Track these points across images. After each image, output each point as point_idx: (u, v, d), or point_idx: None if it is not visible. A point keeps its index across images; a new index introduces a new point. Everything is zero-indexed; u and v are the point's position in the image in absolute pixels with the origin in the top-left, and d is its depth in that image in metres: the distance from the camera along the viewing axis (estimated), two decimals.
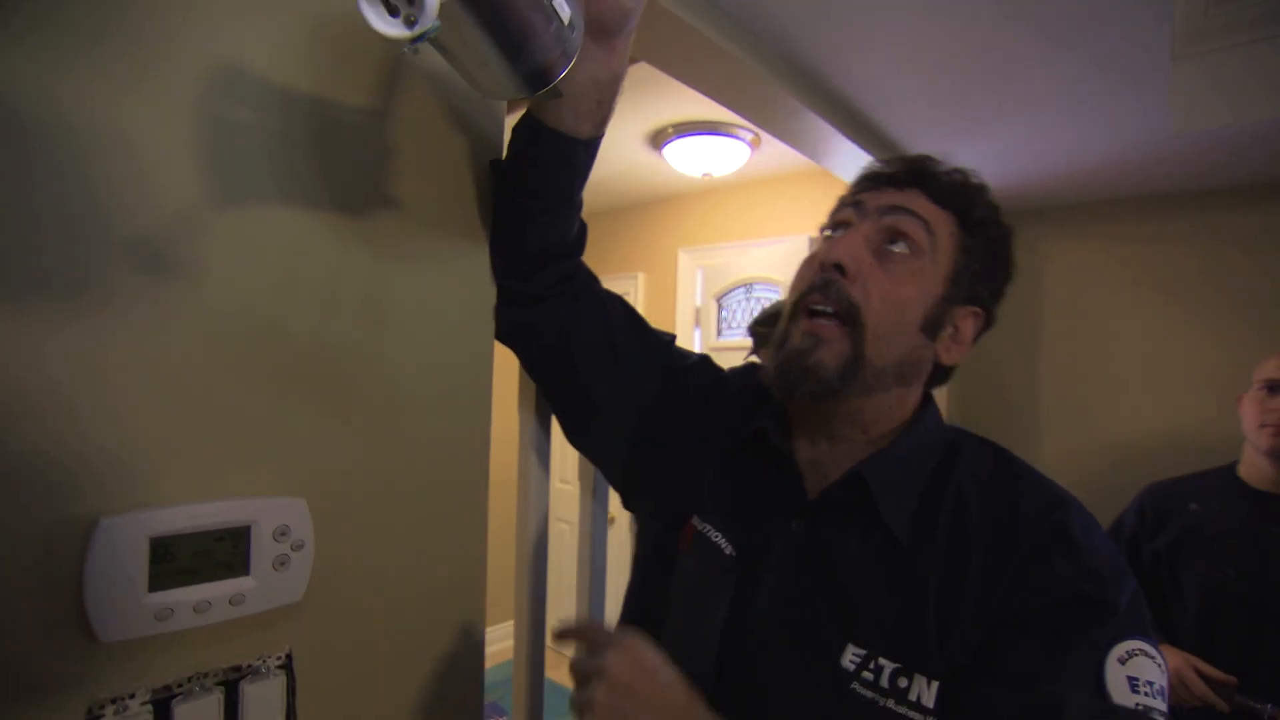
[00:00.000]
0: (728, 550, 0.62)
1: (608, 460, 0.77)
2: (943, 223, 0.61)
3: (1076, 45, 1.19)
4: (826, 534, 0.59)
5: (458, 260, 0.65)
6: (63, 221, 0.42)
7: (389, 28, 0.34)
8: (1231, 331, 1.94)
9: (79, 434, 0.44)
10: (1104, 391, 2.14)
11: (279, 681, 0.53)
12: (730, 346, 2.72)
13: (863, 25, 1.17)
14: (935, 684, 0.51)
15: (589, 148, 0.64)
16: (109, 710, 0.45)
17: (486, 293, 0.68)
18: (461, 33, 0.41)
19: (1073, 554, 0.52)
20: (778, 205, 2.62)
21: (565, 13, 0.42)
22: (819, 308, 0.59)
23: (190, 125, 0.48)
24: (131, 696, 0.46)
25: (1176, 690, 1.25)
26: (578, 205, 0.68)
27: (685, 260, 2.90)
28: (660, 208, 3.01)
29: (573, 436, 0.77)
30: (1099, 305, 2.17)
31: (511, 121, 0.65)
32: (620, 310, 0.74)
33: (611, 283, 2.77)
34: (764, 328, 1.62)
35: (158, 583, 0.46)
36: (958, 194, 0.62)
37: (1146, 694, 0.47)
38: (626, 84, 0.65)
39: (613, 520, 2.49)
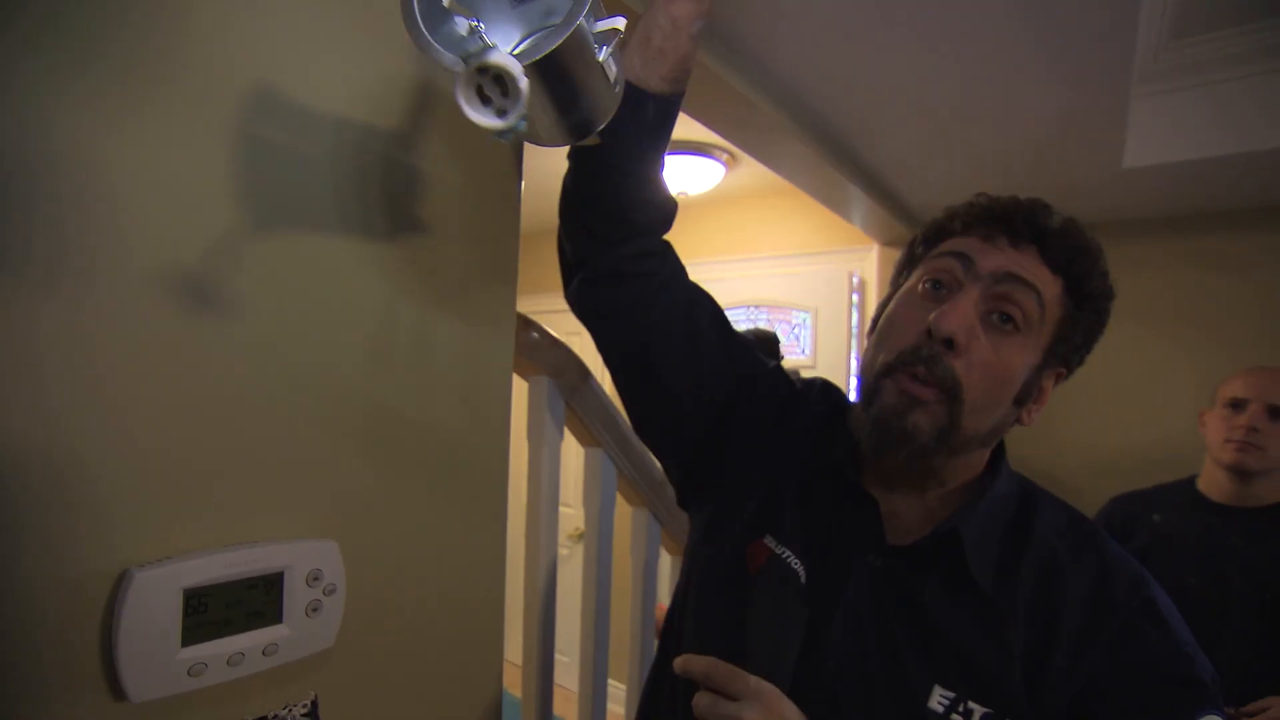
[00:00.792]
0: (803, 577, 0.61)
1: (672, 454, 0.75)
2: (1052, 290, 0.59)
3: (1038, 80, 1.25)
4: (906, 574, 0.58)
5: (483, 296, 0.65)
6: (88, 253, 0.40)
7: (483, 118, 0.34)
8: (1193, 349, 2.03)
9: (105, 479, 0.41)
10: (1069, 405, 2.23)
11: None
12: None
13: (844, 57, 1.21)
14: None
15: (660, 105, 0.63)
16: None
17: (507, 328, 0.67)
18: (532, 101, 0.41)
19: (1163, 631, 0.53)
20: (751, 224, 2.66)
21: (613, 70, 0.43)
22: (920, 378, 0.57)
23: (229, 156, 0.46)
24: None
25: None
26: (653, 171, 0.65)
27: None
28: None
29: (641, 425, 0.75)
30: None
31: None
32: (708, 304, 0.72)
33: None
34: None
35: (191, 635, 0.44)
36: (1074, 261, 0.61)
37: None
38: None
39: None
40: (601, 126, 0.49)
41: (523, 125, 0.35)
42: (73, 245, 0.40)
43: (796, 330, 2.58)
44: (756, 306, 2.65)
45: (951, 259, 0.60)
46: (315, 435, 0.52)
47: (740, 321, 2.68)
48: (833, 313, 2.45)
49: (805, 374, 0.77)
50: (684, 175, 2.23)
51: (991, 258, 0.59)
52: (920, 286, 0.61)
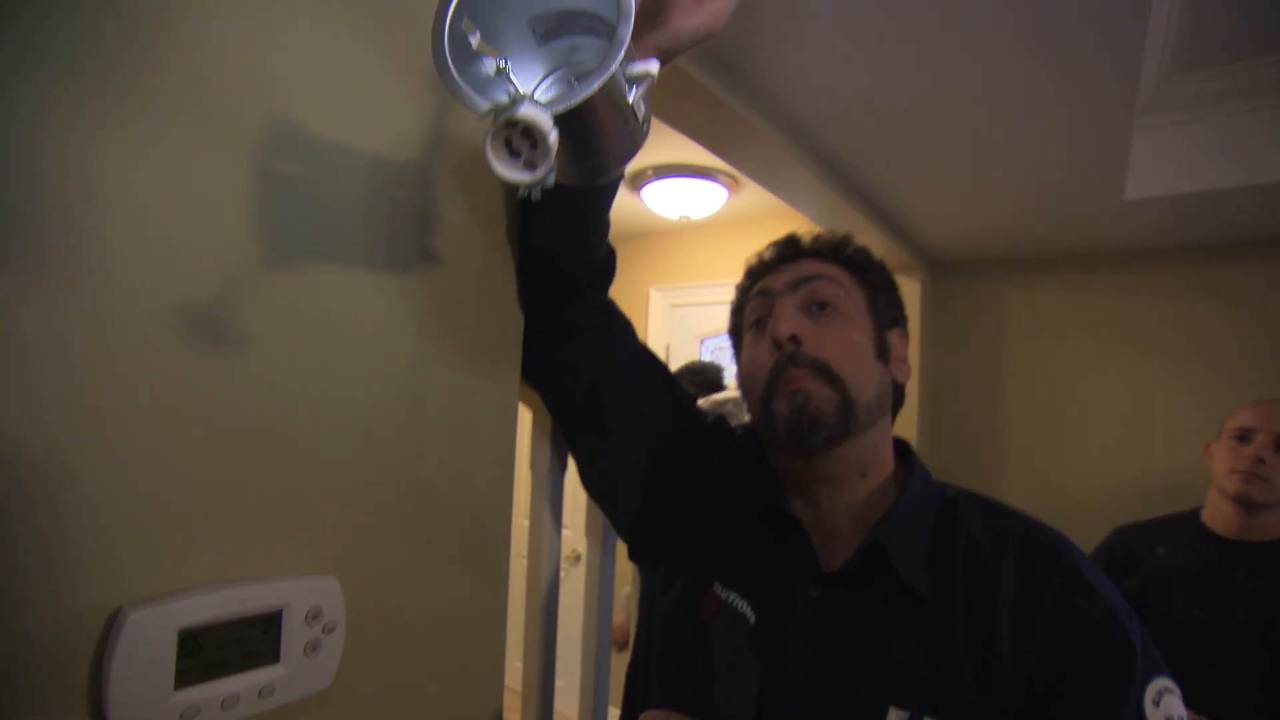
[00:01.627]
0: (751, 619, 0.62)
1: (618, 509, 0.77)
2: (838, 273, 0.69)
3: (1041, 113, 1.26)
4: (846, 598, 0.60)
5: (488, 333, 0.64)
6: (96, 282, 0.39)
7: (511, 173, 0.34)
8: (1196, 380, 2.03)
9: (102, 510, 0.40)
10: (1067, 437, 2.22)
11: None
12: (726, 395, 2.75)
13: (851, 87, 1.22)
14: None
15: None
16: None
17: (512, 363, 0.66)
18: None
19: (1091, 595, 0.55)
20: (753, 247, 2.66)
21: (642, 110, 0.42)
22: (795, 377, 0.63)
23: (245, 189, 0.46)
24: None
25: None
26: (606, 227, 0.66)
27: (657, 299, 2.92)
28: (634, 246, 3.03)
29: (587, 479, 0.76)
30: (1061, 353, 2.25)
31: None
32: (654, 360, 0.75)
33: None
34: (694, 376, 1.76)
35: (185, 678, 0.42)
36: (835, 250, 0.71)
37: None
38: None
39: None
40: (622, 170, 0.48)
41: (550, 179, 0.35)
42: (81, 274, 0.39)
43: None
44: None
45: (757, 299, 0.70)
46: (317, 469, 0.50)
47: None
48: None
49: None
50: (687, 199, 2.24)
51: (782, 276, 0.69)
52: (751, 332, 0.71)
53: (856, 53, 1.07)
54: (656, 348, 2.90)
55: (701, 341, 2.87)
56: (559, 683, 0.85)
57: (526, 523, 0.82)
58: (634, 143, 0.45)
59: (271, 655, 0.46)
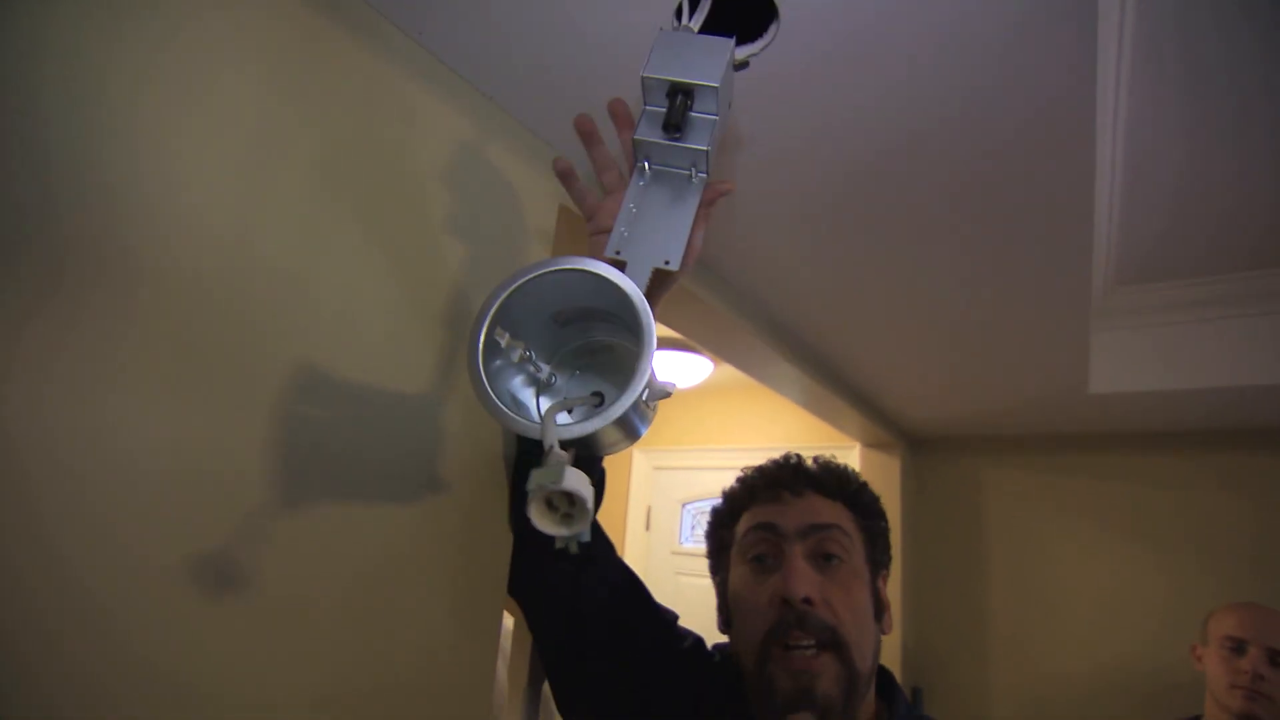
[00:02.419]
0: None
1: None
2: (844, 516, 0.70)
3: (1005, 312, 1.37)
4: None
5: (478, 562, 0.64)
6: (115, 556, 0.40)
7: (551, 528, 0.37)
8: (1173, 565, 2.02)
9: None
10: (1051, 619, 2.16)
11: None
12: (694, 553, 2.72)
13: (823, 289, 1.32)
14: None
15: None
16: None
17: (500, 586, 0.66)
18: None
19: None
20: (736, 415, 2.72)
21: (652, 407, 0.46)
22: (802, 644, 0.62)
23: (259, 433, 0.47)
24: None
25: None
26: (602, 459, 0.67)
27: (640, 461, 2.92)
28: None
29: (564, 703, 0.73)
30: (1042, 534, 2.25)
31: None
32: (633, 581, 0.74)
33: None
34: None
35: None
36: (842, 486, 0.72)
37: None
38: None
39: None
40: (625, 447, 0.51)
41: (584, 536, 0.38)
42: (99, 519, 0.39)
43: None
44: None
45: (759, 532, 0.69)
46: (307, 698, 0.48)
47: None
48: None
49: None
50: (674, 370, 2.32)
51: (789, 516, 0.68)
52: (747, 566, 0.69)
53: (817, 243, 1.15)
54: (637, 510, 2.86)
55: (683, 506, 2.84)
56: None
57: None
58: (642, 428, 0.48)
59: None
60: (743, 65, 0.54)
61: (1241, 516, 1.96)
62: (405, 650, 0.56)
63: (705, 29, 0.51)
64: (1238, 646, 1.35)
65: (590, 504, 0.36)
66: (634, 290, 0.41)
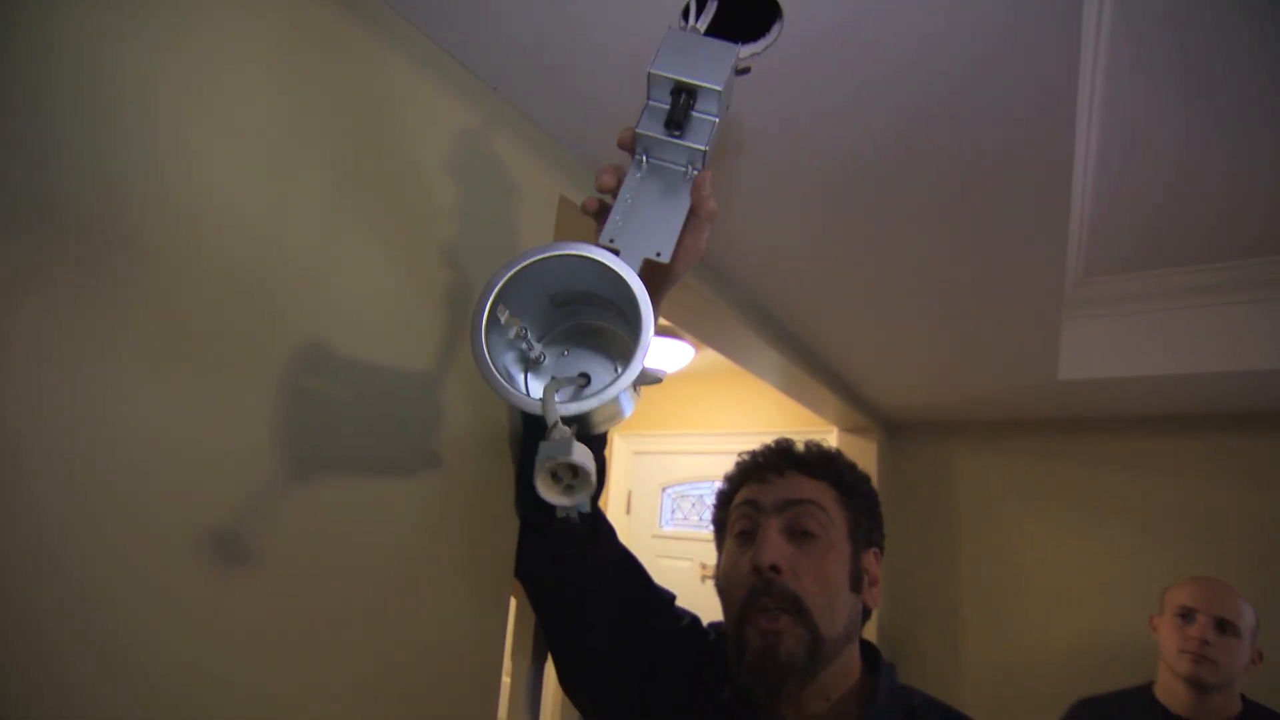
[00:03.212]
0: None
1: (595, 709, 0.76)
2: (826, 494, 0.73)
3: (980, 301, 1.41)
4: None
5: (485, 541, 0.66)
6: (120, 515, 0.41)
7: (555, 498, 0.40)
8: (1137, 546, 2.11)
9: None
10: (1022, 597, 2.26)
11: None
12: (675, 536, 2.75)
13: (797, 264, 1.35)
14: None
15: None
16: None
17: (507, 569, 0.68)
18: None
19: None
20: (717, 400, 2.76)
21: (639, 393, 0.47)
22: (769, 608, 0.66)
23: (266, 410, 0.49)
24: None
25: None
26: (599, 441, 0.69)
27: (620, 446, 2.95)
28: None
29: (565, 679, 0.76)
30: (1013, 516, 2.33)
31: None
32: (632, 563, 0.77)
33: None
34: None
35: None
36: (828, 466, 0.75)
37: None
38: None
39: None
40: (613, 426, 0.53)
41: (585, 507, 0.41)
42: (106, 496, 0.40)
43: None
44: (718, 481, 2.70)
45: (744, 508, 0.74)
46: (316, 676, 0.50)
47: (705, 494, 2.73)
48: None
49: None
50: (656, 355, 2.34)
51: (769, 493, 0.73)
52: (733, 541, 0.74)
53: (798, 229, 1.17)
54: (618, 494, 2.89)
55: (663, 490, 2.88)
56: None
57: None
58: (625, 415, 0.50)
59: None
60: (745, 70, 0.56)
61: (1198, 497, 2.06)
62: (415, 629, 0.58)
63: (711, 28, 0.53)
64: (1188, 615, 1.43)
65: (592, 476, 0.38)
66: (633, 278, 0.43)
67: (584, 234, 0.58)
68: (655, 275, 0.58)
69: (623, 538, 0.77)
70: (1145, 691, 1.53)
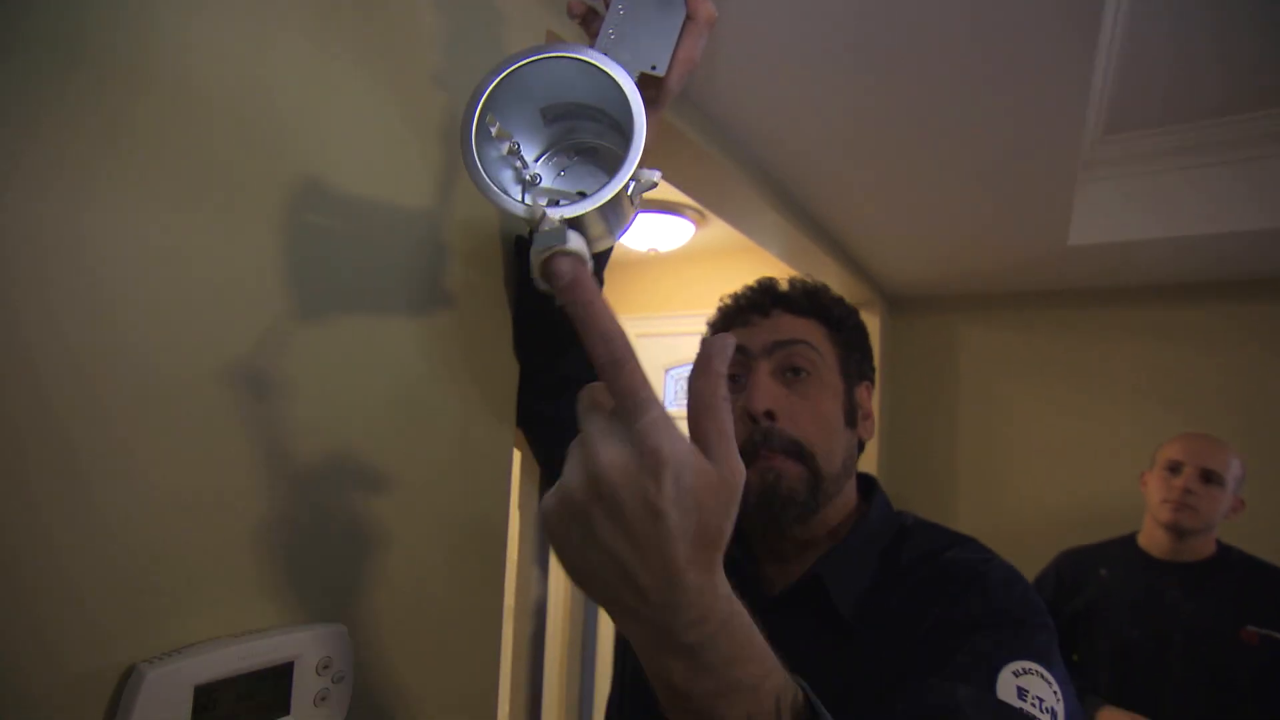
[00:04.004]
0: None
1: None
2: (815, 332, 0.71)
3: (990, 164, 1.35)
4: (784, 628, 0.63)
5: (489, 371, 0.66)
6: (134, 346, 0.40)
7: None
8: (1135, 414, 2.16)
9: (110, 569, 0.40)
10: (1017, 465, 2.34)
11: None
12: (679, 416, 2.80)
13: (812, 131, 1.29)
14: None
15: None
16: None
17: (510, 401, 0.68)
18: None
19: (985, 596, 0.57)
20: (718, 280, 2.73)
21: (637, 201, 0.45)
22: (768, 456, 0.65)
23: (273, 242, 0.47)
24: None
25: None
26: (600, 283, 0.68)
27: (625, 328, 2.95)
28: None
29: None
30: (1011, 386, 2.37)
31: None
32: None
33: None
34: None
35: None
36: (814, 302, 0.73)
37: (1033, 706, 0.48)
38: None
39: None
40: (614, 240, 0.51)
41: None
42: (123, 327, 0.40)
43: None
44: None
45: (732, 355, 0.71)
46: (331, 515, 0.51)
47: None
48: None
49: None
50: (655, 233, 2.29)
51: (757, 336, 0.71)
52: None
53: (810, 85, 1.12)
54: None
55: (666, 371, 2.91)
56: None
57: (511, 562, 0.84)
58: (626, 227, 0.48)
59: (282, 707, 0.46)
60: None
61: (1206, 368, 2.08)
62: (421, 467, 0.59)
63: None
64: (1176, 468, 1.49)
65: (590, 264, 0.37)
66: (622, 74, 0.40)
67: None
68: (650, 90, 0.54)
69: None
70: (1128, 540, 1.61)
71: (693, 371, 0.35)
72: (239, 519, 0.46)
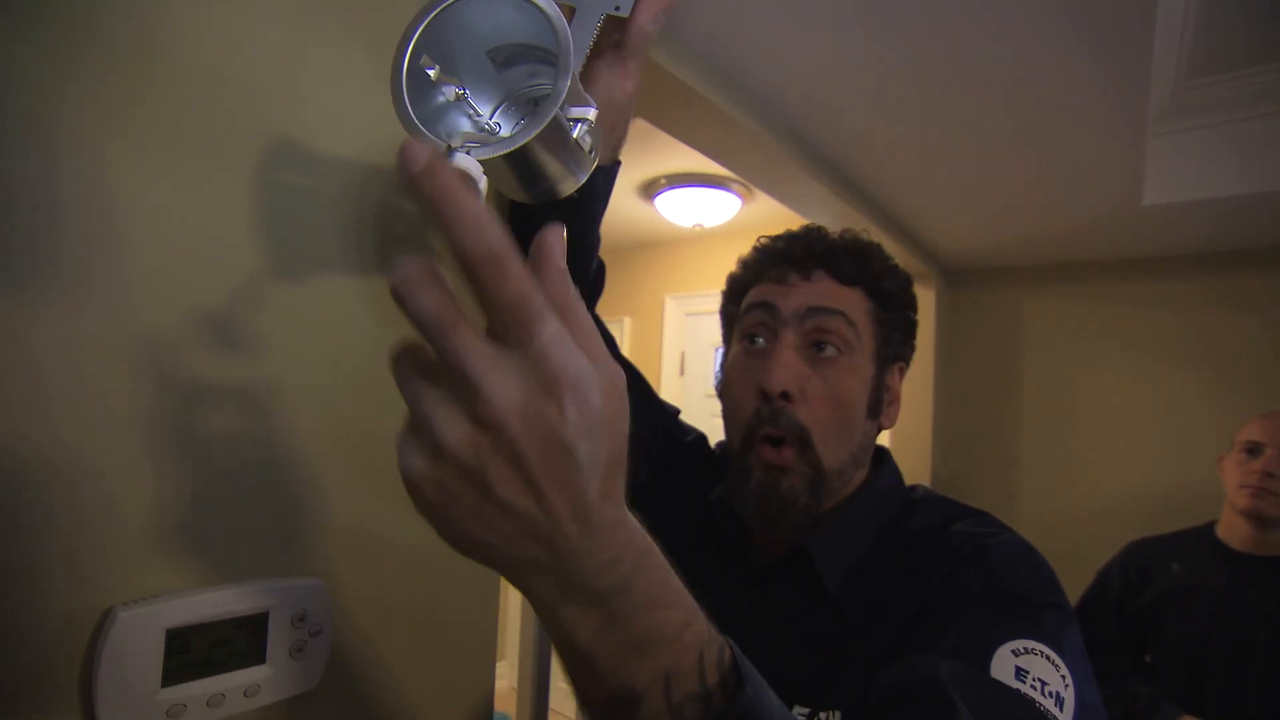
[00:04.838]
0: None
1: None
2: (857, 305, 0.63)
3: (1054, 120, 1.25)
4: (771, 601, 0.62)
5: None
6: (106, 298, 0.41)
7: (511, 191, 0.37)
8: (1211, 391, 1.99)
9: (91, 517, 0.42)
10: (1085, 448, 2.19)
11: None
12: None
13: (861, 99, 1.22)
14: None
15: (607, 173, 0.61)
16: None
17: None
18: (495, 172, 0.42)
19: (985, 572, 0.53)
20: None
21: (588, 142, 0.43)
22: (773, 437, 0.61)
23: (245, 198, 0.48)
24: None
25: None
26: (594, 237, 0.65)
27: (672, 307, 2.93)
28: (649, 254, 3.04)
29: None
30: (1078, 362, 2.22)
31: None
32: (634, 375, 0.76)
33: None
34: None
35: (172, 676, 0.43)
36: (863, 269, 0.64)
37: (1034, 689, 0.44)
38: None
39: None
40: (569, 193, 0.49)
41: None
42: (95, 279, 0.41)
43: None
44: None
45: (757, 311, 0.64)
46: (310, 471, 0.52)
47: None
48: None
49: None
50: (700, 207, 2.25)
51: (790, 298, 0.62)
52: (740, 346, 0.65)
53: (857, 53, 1.07)
54: (671, 356, 2.91)
55: (716, 350, 2.87)
56: (562, 685, 0.86)
57: None
58: (581, 169, 0.46)
59: (257, 656, 0.47)
60: None
61: None
62: (401, 425, 0.59)
63: None
64: (1255, 450, 1.36)
65: (482, 186, 0.35)
66: (549, 3, 0.38)
67: None
68: (617, 34, 0.52)
69: (677, 399, 0.77)
70: (1206, 531, 1.48)
71: (532, 266, 0.29)
72: (216, 471, 0.47)
